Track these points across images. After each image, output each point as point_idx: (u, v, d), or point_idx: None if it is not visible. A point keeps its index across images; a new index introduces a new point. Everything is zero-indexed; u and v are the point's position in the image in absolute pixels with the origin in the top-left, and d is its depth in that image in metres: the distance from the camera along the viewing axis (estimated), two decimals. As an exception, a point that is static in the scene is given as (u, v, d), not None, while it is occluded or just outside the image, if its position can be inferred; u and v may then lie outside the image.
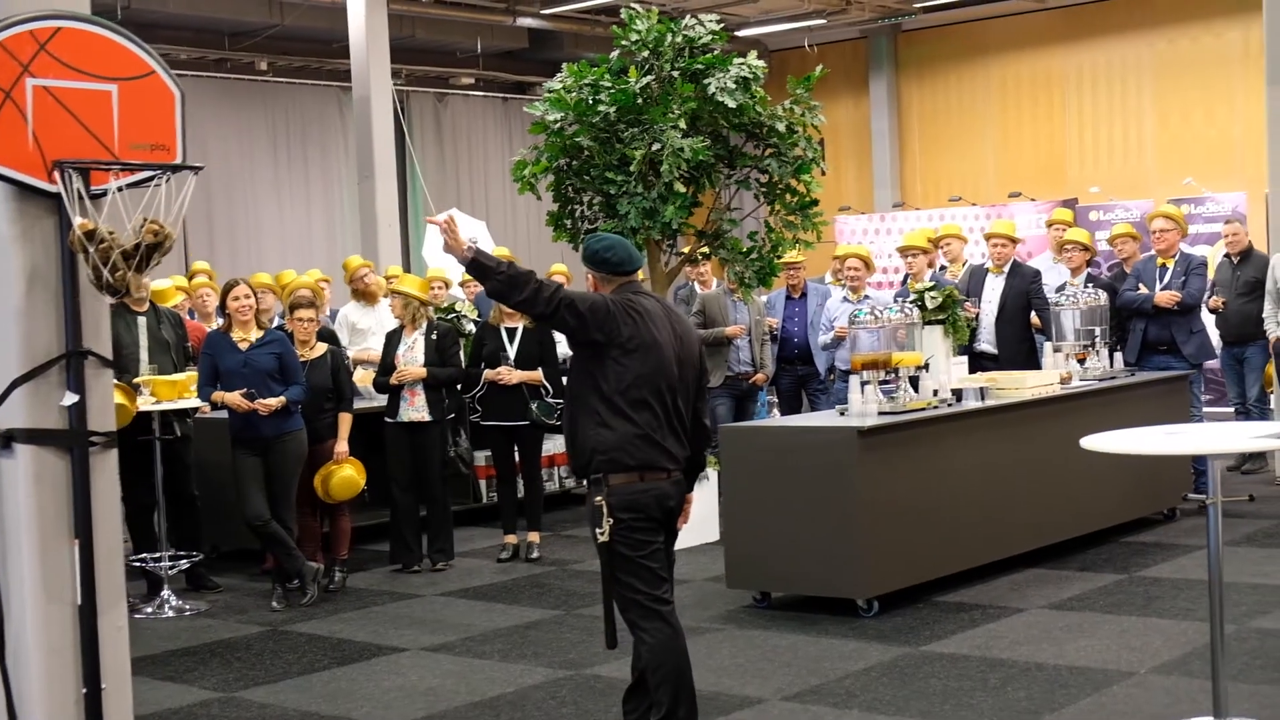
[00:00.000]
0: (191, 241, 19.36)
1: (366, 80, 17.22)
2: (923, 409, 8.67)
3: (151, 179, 5.15)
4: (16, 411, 5.12)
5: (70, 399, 5.15)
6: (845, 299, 11.50)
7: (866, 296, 11.42)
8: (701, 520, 9.88)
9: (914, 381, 8.88)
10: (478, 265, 5.38)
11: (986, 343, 11.43)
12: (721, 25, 10.50)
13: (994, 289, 11.45)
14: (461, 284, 14.82)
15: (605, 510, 5.47)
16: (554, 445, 11.82)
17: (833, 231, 19.69)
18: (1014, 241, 11.55)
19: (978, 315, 11.36)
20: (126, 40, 5.26)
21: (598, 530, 5.49)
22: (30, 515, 5.12)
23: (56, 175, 4.96)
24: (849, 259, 11.58)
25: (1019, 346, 11.31)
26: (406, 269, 18.36)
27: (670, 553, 5.75)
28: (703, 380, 5.82)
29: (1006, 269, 11.47)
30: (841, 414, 8.70)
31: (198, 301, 12.03)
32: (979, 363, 11.29)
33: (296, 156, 20.60)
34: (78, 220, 4.93)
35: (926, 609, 8.28)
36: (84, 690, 5.16)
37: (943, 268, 12.56)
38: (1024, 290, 11.35)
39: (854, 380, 8.66)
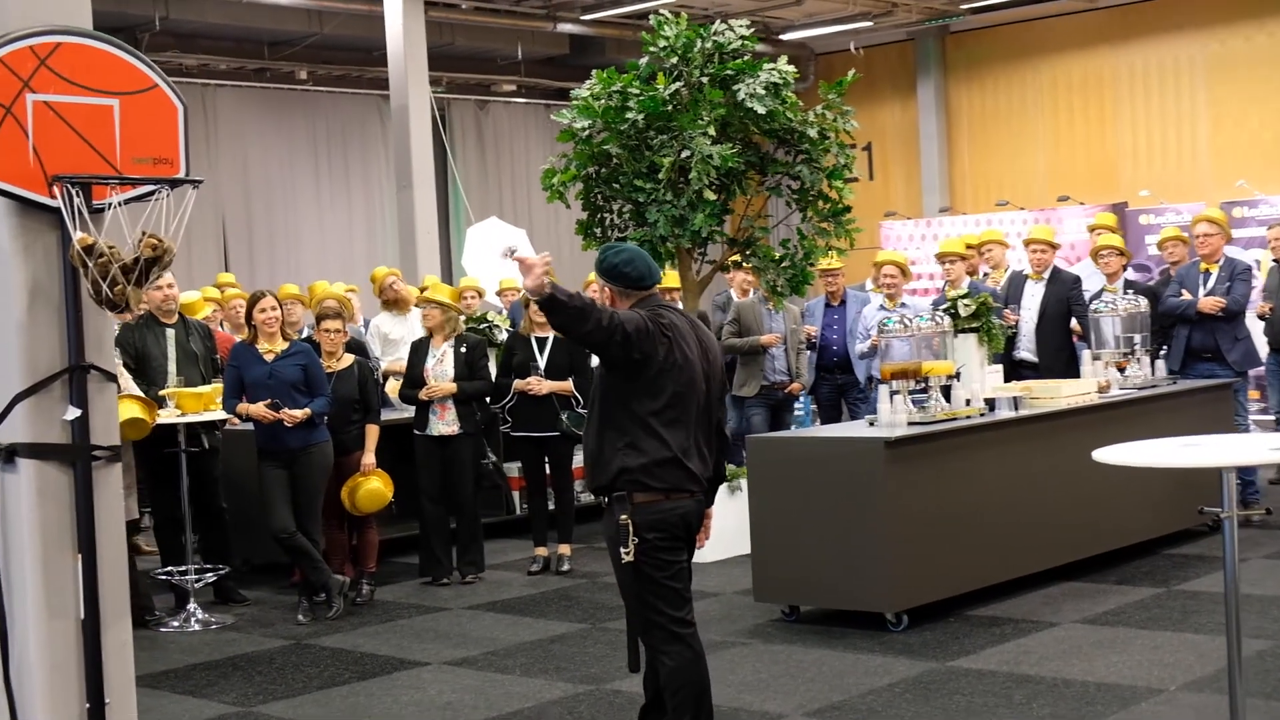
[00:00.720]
0: (232, 252, 19.54)
1: (405, 89, 17.32)
2: (954, 419, 8.63)
3: (152, 193, 5.20)
4: (19, 426, 5.18)
5: (73, 413, 5.21)
6: (882, 306, 11.46)
7: (903, 304, 11.38)
8: (734, 532, 9.86)
9: (946, 391, 8.85)
10: (553, 301, 5.23)
11: (1026, 350, 11.37)
12: (754, 30, 10.47)
13: (1034, 295, 11.39)
14: (499, 294, 14.89)
15: (631, 529, 5.43)
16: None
17: (877, 237, 19.65)
18: (1053, 247, 11.48)
19: (1017, 323, 11.30)
20: (128, 54, 5.31)
21: (623, 550, 5.46)
22: (33, 530, 5.18)
23: (56, 190, 5.01)
24: (885, 265, 11.54)
25: (1059, 354, 11.24)
26: (448, 279, 18.47)
27: (689, 572, 5.76)
28: (723, 391, 5.81)
29: (1046, 275, 11.41)
30: (871, 424, 8.68)
31: (230, 313, 12.11)
32: (1019, 371, 11.23)
33: (337, 166, 20.73)
34: (77, 235, 4.98)
35: (957, 623, 8.23)
36: (87, 706, 5.22)
37: (985, 274, 12.50)
38: (1064, 296, 11.29)
39: (883, 390, 8.63)
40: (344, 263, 20.25)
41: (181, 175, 5.37)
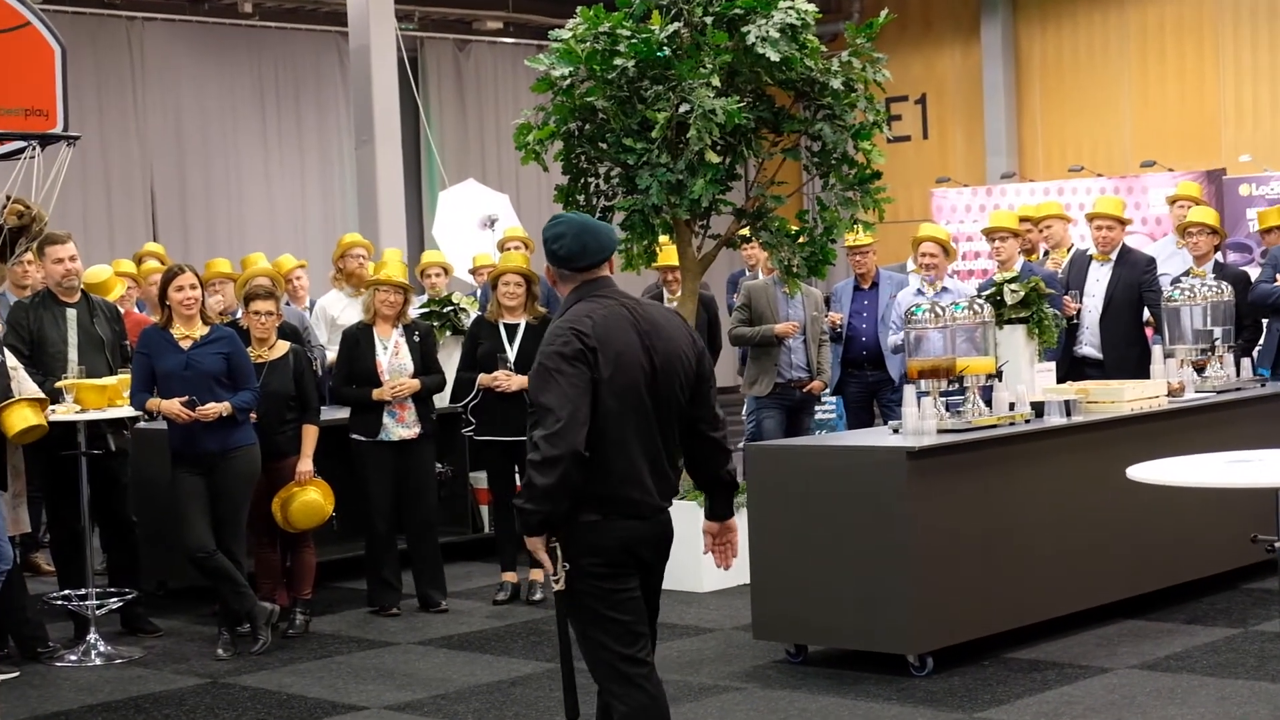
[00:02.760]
0: (161, 219, 19.63)
1: (365, 24, 17.37)
2: (993, 426, 8.68)
3: (21, 151, 5.28)
4: None
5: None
6: (920, 291, 11.50)
7: (945, 288, 11.42)
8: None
9: (986, 393, 8.90)
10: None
11: (1090, 345, 11.43)
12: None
13: (1099, 280, 11.45)
14: (472, 271, 14.95)
15: (559, 554, 5.52)
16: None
17: (929, 207, 19.70)
18: (1122, 223, 11.53)
19: (1079, 312, 11.34)
20: (-5, -14, 5.38)
21: (553, 578, 5.56)
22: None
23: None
24: (924, 243, 11.58)
25: (1128, 350, 11.29)
26: (417, 252, 18.52)
27: (653, 603, 5.82)
28: (701, 388, 5.81)
29: (1114, 256, 11.45)
30: (895, 431, 8.73)
31: (149, 291, 12.16)
32: (1081, 369, 11.29)
33: (288, 117, 20.80)
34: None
35: (991, 667, 8.29)
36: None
37: (1046, 254, 12.55)
38: (1135, 282, 11.33)
39: (909, 391, 8.68)
40: (296, 231, 20.35)
41: (58, 130, 5.44)
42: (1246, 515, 9.69)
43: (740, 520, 9.93)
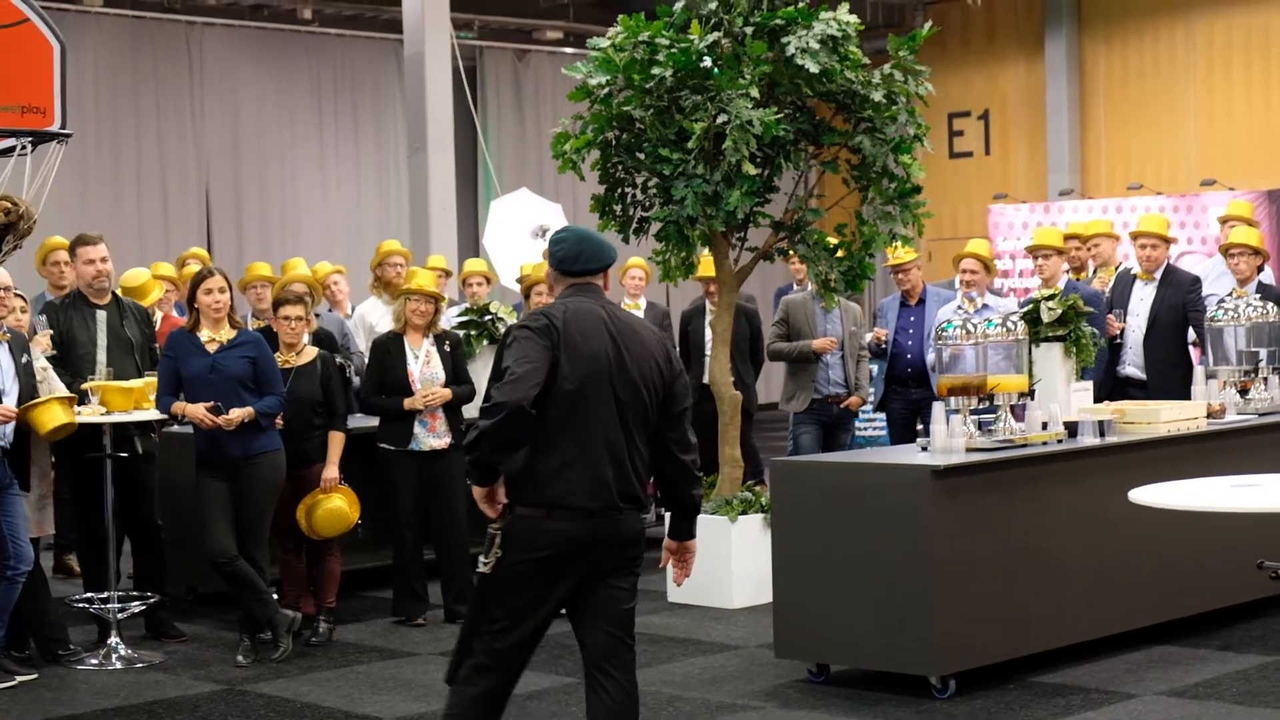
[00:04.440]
0: (216, 223, 19.73)
1: (420, 32, 17.38)
2: (1023, 445, 8.55)
3: (18, 149, 5.25)
4: None
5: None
6: (959, 308, 11.37)
7: (985, 305, 11.28)
8: (764, 574, 9.82)
9: (1019, 412, 8.77)
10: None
11: (1133, 365, 11.29)
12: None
13: (1143, 299, 11.31)
14: (519, 280, 14.89)
15: (495, 540, 5.69)
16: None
17: (985, 225, 19.54)
18: (1166, 241, 11.38)
19: (1122, 331, 11.20)
20: (-9, -18, 5.36)
21: (481, 559, 5.75)
22: None
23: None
24: (965, 259, 11.46)
25: (1172, 371, 11.14)
26: (474, 257, 18.49)
27: (615, 612, 5.84)
28: (673, 408, 5.90)
29: (1158, 275, 11.30)
30: (924, 449, 8.62)
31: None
32: (1125, 389, 11.14)
33: (345, 124, 20.89)
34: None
35: (1015, 691, 8.16)
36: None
37: (1095, 272, 12.41)
38: (1179, 301, 11.19)
39: (938, 408, 8.57)
40: (350, 237, 20.41)
41: (55, 128, 5.41)
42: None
43: (765, 536, 9.96)
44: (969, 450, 8.37)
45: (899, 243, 10.70)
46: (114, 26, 19.13)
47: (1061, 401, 9.17)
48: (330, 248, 18.94)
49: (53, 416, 8.92)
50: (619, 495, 5.73)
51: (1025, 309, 9.54)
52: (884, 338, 12.24)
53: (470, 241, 20.17)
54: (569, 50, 22.26)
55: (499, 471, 5.68)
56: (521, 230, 17.22)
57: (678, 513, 6.04)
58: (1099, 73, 22.03)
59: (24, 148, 5.25)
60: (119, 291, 10.36)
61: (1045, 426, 8.83)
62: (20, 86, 5.40)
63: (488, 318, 12.11)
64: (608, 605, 5.81)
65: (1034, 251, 11.61)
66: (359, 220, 20.79)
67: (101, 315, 9.85)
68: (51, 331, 9.60)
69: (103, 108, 18.87)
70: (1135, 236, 11.56)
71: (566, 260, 5.88)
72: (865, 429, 15.62)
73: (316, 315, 11.28)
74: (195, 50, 19.60)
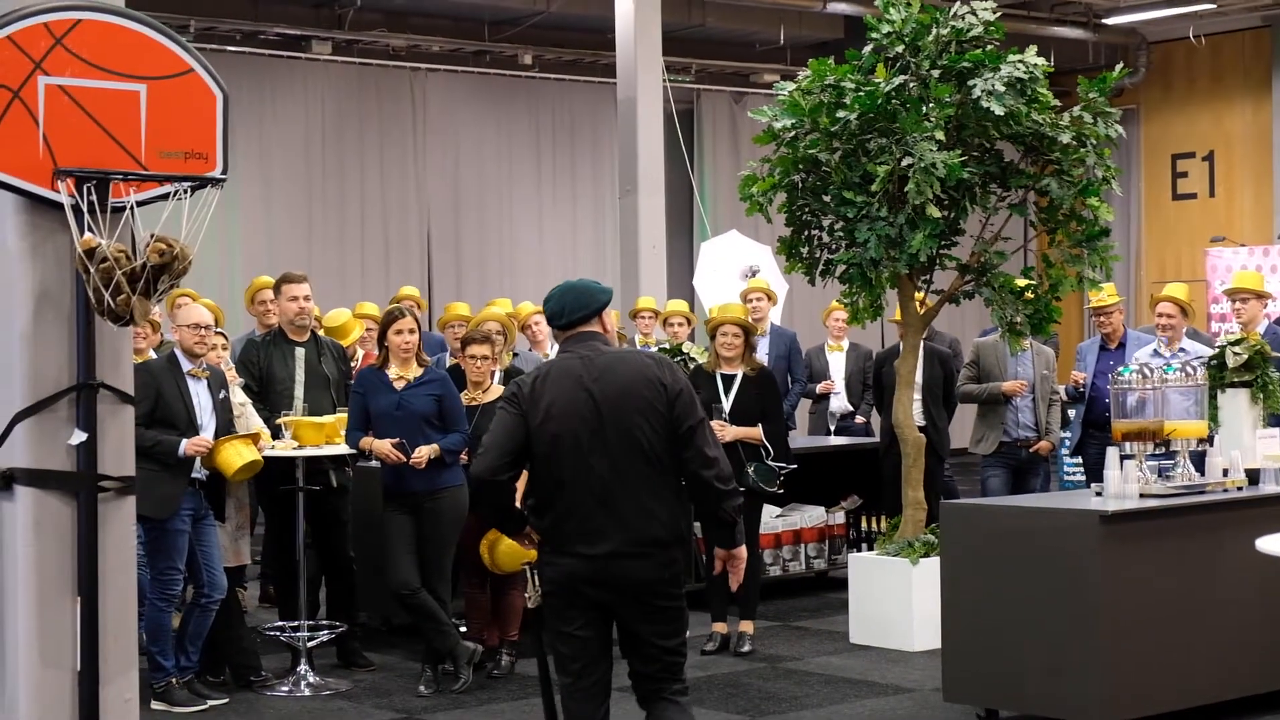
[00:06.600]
0: (436, 262, 20.15)
1: (633, 76, 17.57)
2: (1200, 491, 8.43)
3: (175, 194, 5.50)
4: (19, 449, 5.53)
5: (78, 437, 5.54)
6: (1156, 352, 11.24)
7: (1182, 349, 11.13)
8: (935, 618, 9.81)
9: (1198, 458, 8.66)
10: None
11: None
12: (997, 15, 10.38)
13: (1343, 346, 11.01)
14: (705, 323, 14.99)
15: (532, 576, 6.20)
16: (774, 518, 11.87)
17: (1203, 268, 19.19)
18: (1260, 297, 11.19)
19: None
20: (160, 35, 5.64)
21: (527, 596, 6.35)
22: (28, 566, 5.53)
23: (61, 184, 5.35)
24: (1160, 303, 11.31)
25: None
26: (688, 299, 18.63)
27: (640, 651, 6.21)
28: (679, 428, 6.03)
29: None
30: (1098, 494, 8.55)
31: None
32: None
33: (563, 166, 21.20)
34: (80, 236, 5.30)
35: (1185, 742, 8.05)
36: (77, 767, 5.53)
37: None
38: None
39: (1111, 453, 8.50)
40: (565, 278, 20.59)
41: (216, 174, 5.65)
42: None
43: (935, 578, 9.92)
44: (1143, 496, 8.29)
45: (1101, 286, 10.62)
46: (342, 73, 19.69)
47: (1246, 448, 9.02)
48: (544, 289, 19.02)
49: (236, 455, 9.16)
50: (625, 540, 5.95)
51: (1211, 355, 9.42)
52: (1082, 381, 12.13)
53: (683, 282, 20.31)
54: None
55: (512, 524, 6.27)
56: (731, 272, 17.34)
57: (712, 526, 6.33)
58: (1329, 114, 21.53)
59: (183, 193, 5.47)
60: (320, 330, 10.71)
61: (1226, 473, 8.70)
62: (184, 134, 5.62)
63: (678, 358, 12.25)
64: (634, 647, 6.19)
65: (1232, 295, 11.43)
66: (574, 261, 21.06)
67: (300, 352, 10.17)
68: (233, 366, 9.94)
69: (329, 151, 19.47)
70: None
71: (554, 316, 6.20)
72: (1075, 473, 15.46)
73: (515, 354, 11.51)
74: (419, 96, 20.08)
